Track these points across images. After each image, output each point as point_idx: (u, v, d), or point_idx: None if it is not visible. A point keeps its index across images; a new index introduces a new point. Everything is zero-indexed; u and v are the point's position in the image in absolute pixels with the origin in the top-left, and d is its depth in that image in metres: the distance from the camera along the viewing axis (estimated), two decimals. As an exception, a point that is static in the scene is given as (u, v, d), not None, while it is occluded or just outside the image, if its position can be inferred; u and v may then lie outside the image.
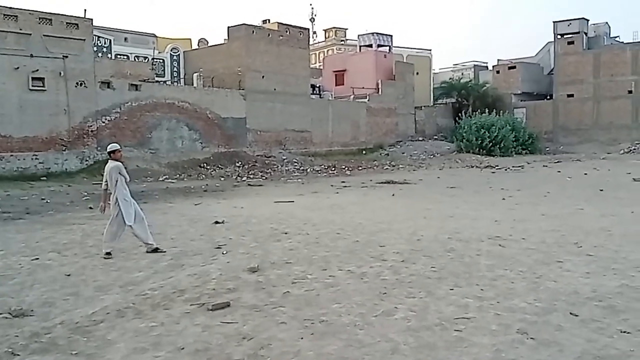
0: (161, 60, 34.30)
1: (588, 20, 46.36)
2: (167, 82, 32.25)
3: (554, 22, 46.32)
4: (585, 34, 45.79)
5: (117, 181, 8.44)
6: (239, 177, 24.75)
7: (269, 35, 32.19)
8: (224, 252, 8.67)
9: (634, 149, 39.65)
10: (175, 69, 34.81)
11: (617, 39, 50.05)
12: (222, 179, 24.17)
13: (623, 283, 6.53)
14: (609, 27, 49.68)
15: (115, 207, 8.45)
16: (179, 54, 35.07)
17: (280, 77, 32.31)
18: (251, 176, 25.29)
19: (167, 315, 5.61)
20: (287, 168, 28.38)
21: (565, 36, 45.88)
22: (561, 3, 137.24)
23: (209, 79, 30.48)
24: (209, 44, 39.27)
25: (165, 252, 8.65)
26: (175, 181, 22.69)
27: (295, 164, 29.50)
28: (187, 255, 8.47)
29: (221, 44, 34.11)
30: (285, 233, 10.33)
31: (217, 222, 11.62)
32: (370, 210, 13.62)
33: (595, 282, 6.58)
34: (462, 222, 11.45)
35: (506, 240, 9.33)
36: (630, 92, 42.47)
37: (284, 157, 30.39)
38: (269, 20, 41.21)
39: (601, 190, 17.58)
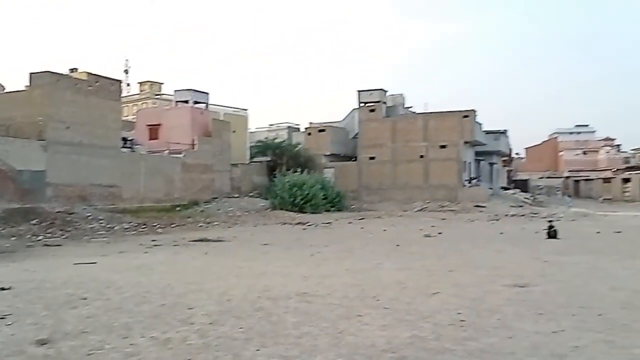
0: (-56, 104, 30.23)
1: (387, 91, 51.66)
2: (-50, 129, 28.43)
3: (358, 91, 50.77)
4: (385, 103, 50.89)
5: None
6: (34, 237, 22.30)
7: (76, 84, 30.33)
8: (9, 323, 7.68)
9: (425, 207, 44.26)
10: (-39, 115, 30.84)
11: (410, 108, 56.41)
12: (14, 238, 21.59)
13: (414, 334, 7.12)
14: (404, 98, 55.86)
15: None
16: (-33, 99, 31.26)
17: (87, 128, 30.42)
18: (49, 235, 22.98)
19: None
20: (91, 226, 26.35)
21: (367, 104, 50.46)
22: (365, 74, 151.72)
23: (4, 127, 27.55)
24: (6, 90, 35.69)
25: None
26: (-46, 241, 19.74)
27: (101, 221, 27.54)
28: (-40, 330, 7.34)
29: (21, 91, 31.19)
30: (84, 299, 9.50)
31: (2, 289, 10.30)
32: (180, 271, 13.20)
33: (390, 334, 7.08)
34: (273, 279, 11.64)
35: (313, 296, 9.66)
36: (421, 156, 47.78)
37: (89, 214, 28.23)
38: (76, 69, 39.00)
39: (397, 245, 19.19)
